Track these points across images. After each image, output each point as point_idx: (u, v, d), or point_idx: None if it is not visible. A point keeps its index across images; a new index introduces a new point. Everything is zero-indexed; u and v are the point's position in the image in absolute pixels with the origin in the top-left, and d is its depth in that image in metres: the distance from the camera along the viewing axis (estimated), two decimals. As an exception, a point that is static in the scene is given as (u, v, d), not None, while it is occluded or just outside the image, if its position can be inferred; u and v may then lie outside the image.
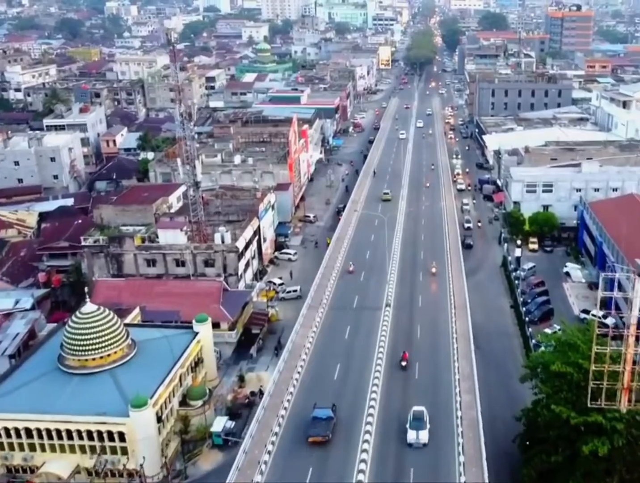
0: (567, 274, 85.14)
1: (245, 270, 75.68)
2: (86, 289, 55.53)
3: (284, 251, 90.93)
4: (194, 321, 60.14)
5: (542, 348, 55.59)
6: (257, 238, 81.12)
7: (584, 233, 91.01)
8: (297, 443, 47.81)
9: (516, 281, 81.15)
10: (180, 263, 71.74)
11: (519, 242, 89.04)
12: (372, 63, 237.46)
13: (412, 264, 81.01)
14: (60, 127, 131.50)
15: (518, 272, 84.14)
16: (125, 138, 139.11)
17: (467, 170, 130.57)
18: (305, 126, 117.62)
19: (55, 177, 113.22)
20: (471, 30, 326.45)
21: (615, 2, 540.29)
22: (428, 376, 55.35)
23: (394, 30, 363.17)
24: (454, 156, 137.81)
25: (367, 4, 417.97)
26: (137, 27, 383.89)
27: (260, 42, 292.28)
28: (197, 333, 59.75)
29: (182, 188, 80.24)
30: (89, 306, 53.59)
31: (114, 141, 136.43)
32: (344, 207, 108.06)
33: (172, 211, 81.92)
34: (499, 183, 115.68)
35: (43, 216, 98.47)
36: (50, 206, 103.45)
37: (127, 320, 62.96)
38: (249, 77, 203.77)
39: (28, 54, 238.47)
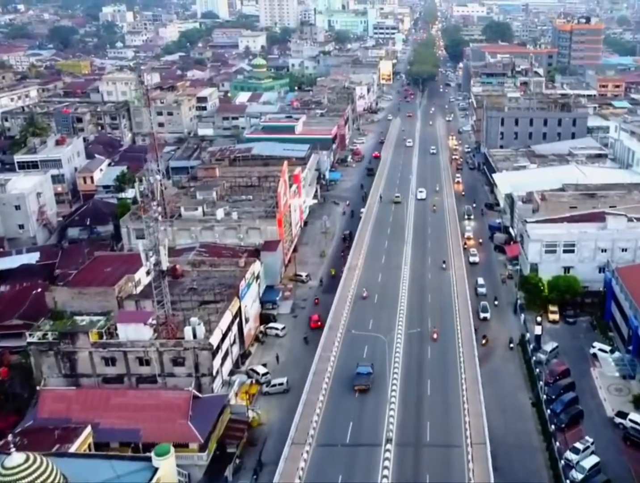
0: (595, 355, 74.46)
1: (222, 364, 64.71)
2: (11, 437, 44.30)
3: (270, 325, 79.84)
4: (152, 454, 49.28)
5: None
6: (237, 320, 70.17)
7: (612, 304, 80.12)
8: None
9: (537, 369, 70.33)
10: (144, 361, 60.79)
11: (539, 319, 77.69)
12: (372, 79, 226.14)
13: (418, 372, 68.46)
14: (33, 165, 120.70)
15: (538, 355, 73.38)
16: (104, 174, 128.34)
17: (481, 241, 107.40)
18: (298, 169, 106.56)
19: (21, 226, 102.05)
20: (475, 40, 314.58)
21: (620, 8, 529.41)
22: None
23: (396, 40, 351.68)
24: (465, 217, 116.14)
25: (368, 11, 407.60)
26: (131, 36, 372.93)
27: (256, 55, 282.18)
28: (156, 469, 48.97)
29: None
30: (15, 458, 42.35)
31: (92, 178, 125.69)
32: (350, 234, 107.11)
33: (140, 288, 70.95)
34: (512, 231, 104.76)
35: (3, 276, 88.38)
36: (12, 262, 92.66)
37: (76, 445, 52.69)
38: (242, 97, 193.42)
39: (12, 70, 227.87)
